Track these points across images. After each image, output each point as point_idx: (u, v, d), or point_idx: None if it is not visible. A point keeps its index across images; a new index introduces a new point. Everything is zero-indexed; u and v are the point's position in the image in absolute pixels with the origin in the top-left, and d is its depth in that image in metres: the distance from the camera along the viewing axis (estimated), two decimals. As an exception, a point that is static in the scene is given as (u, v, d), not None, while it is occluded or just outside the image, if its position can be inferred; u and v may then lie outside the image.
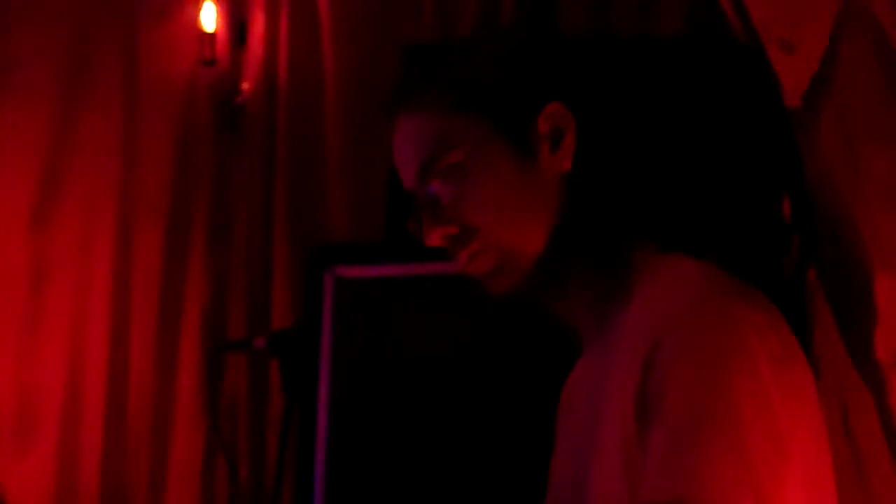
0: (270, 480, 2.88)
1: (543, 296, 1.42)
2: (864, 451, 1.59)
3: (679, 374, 1.22)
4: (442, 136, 1.39)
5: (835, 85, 1.58)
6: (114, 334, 3.27)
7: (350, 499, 2.59)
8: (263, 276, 3.26)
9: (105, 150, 3.34)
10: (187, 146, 3.36)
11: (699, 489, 1.16)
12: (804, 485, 1.25)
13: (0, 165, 3.29)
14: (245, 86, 3.35)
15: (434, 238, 1.41)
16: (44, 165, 3.31)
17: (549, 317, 1.45)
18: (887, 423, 1.56)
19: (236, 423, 3.22)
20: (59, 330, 3.26)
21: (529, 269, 1.38)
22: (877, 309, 1.52)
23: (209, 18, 3.34)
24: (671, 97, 1.46)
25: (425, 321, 2.54)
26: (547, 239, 1.38)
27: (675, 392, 1.21)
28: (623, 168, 1.42)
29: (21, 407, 3.22)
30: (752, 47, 1.68)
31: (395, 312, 2.58)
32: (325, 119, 3.27)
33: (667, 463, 1.19)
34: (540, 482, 1.56)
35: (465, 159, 1.38)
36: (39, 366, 3.24)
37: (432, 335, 2.53)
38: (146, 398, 3.25)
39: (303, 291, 2.77)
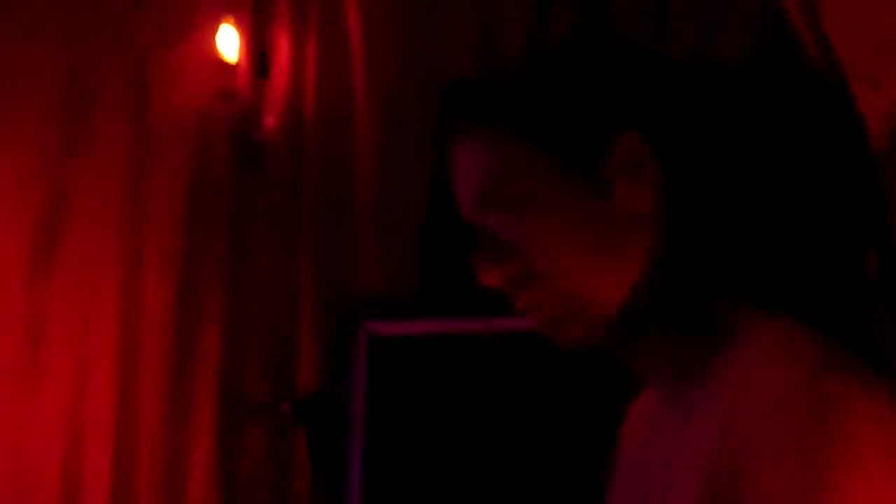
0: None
1: (622, 350, 1.42)
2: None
3: (792, 474, 1.21)
4: (504, 167, 1.39)
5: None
6: (119, 397, 3.29)
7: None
8: (286, 332, 3.28)
9: (110, 192, 3.36)
10: (202, 187, 3.39)
11: None
12: None
13: (-5, 208, 3.33)
14: (268, 121, 3.38)
15: (491, 278, 1.41)
16: (43, 208, 3.34)
17: (609, 371, 1.46)
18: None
19: (255, 500, 3.23)
20: (58, 391, 3.28)
21: (607, 321, 1.38)
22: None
23: (229, 46, 3.38)
24: (755, 131, 1.45)
25: (471, 385, 2.55)
26: (628, 288, 1.38)
27: (790, 492, 1.20)
28: (712, 211, 1.40)
29: (17, 476, 3.23)
30: (834, 80, 1.69)
31: (436, 375, 2.58)
32: (355, 158, 3.29)
33: None
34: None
35: (529, 193, 1.38)
36: (37, 431, 3.26)
37: (479, 401, 2.54)
38: (155, 469, 3.27)
39: (331, 349, 2.79)
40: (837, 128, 1.47)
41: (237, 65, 3.38)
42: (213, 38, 3.38)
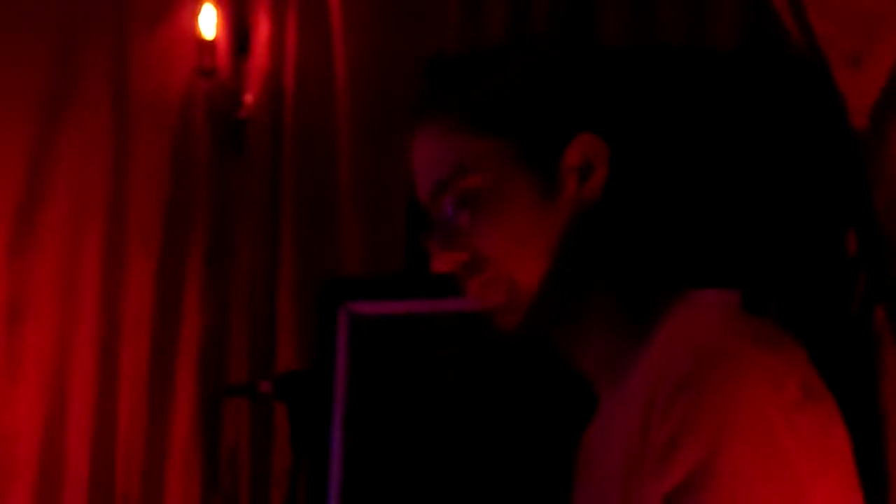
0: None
1: (556, 335, 1.45)
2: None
3: (679, 421, 1.26)
4: (460, 158, 1.43)
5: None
6: (100, 376, 3.30)
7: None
8: (268, 312, 3.28)
9: (91, 171, 3.37)
10: (183, 166, 3.39)
11: None
12: None
13: (-26, 187, 3.33)
14: (248, 98, 3.39)
15: (443, 263, 1.44)
16: (22, 188, 3.34)
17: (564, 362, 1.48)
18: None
19: (238, 478, 3.24)
20: (38, 370, 3.29)
21: (534, 306, 1.40)
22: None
23: (208, 23, 3.38)
24: (725, 119, 1.48)
25: (452, 363, 2.56)
26: (556, 274, 1.41)
27: (673, 442, 1.25)
28: (661, 201, 1.43)
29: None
30: (815, 62, 1.70)
31: (417, 353, 2.59)
32: (336, 135, 3.29)
33: None
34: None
35: (483, 185, 1.42)
36: (16, 411, 3.27)
37: (461, 380, 2.55)
38: (136, 448, 3.28)
39: (312, 329, 2.79)
40: (815, 108, 1.50)
41: (217, 42, 3.39)
42: (194, 16, 3.38)
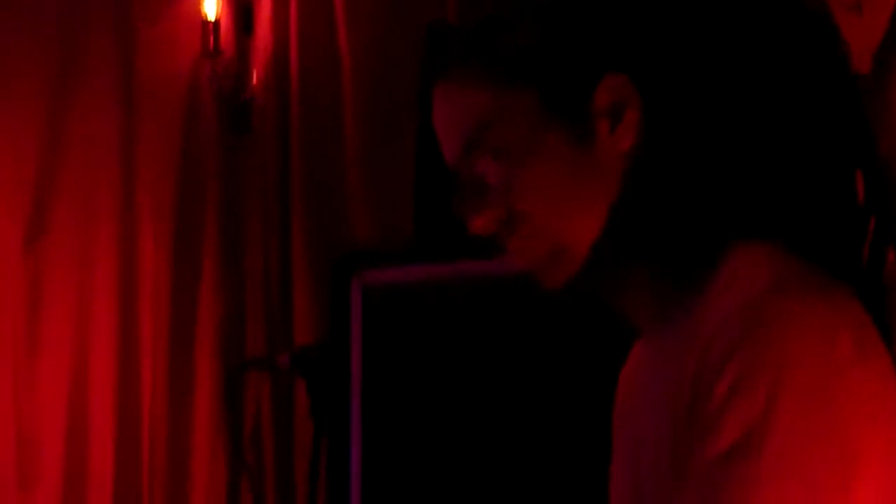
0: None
1: (602, 289, 1.42)
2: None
3: (731, 381, 1.24)
4: (486, 114, 1.38)
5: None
6: (121, 356, 3.30)
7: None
8: (283, 288, 3.28)
9: (101, 155, 3.36)
10: (192, 147, 3.39)
11: None
12: (881, 498, 1.26)
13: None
14: (254, 79, 3.38)
15: (480, 223, 1.41)
16: (34, 175, 3.33)
17: (605, 314, 1.46)
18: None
19: (261, 450, 3.24)
20: (60, 353, 3.29)
21: (584, 258, 1.38)
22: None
23: (211, 5, 3.37)
24: (740, 64, 1.44)
25: (467, 329, 2.55)
26: (604, 225, 1.38)
27: (726, 403, 1.23)
28: (692, 147, 1.40)
29: (22, 440, 3.24)
30: (817, 7, 1.68)
31: (432, 321, 2.58)
32: (343, 112, 3.29)
33: (709, 476, 1.22)
34: (592, 499, 1.58)
35: (513, 139, 1.37)
36: (40, 394, 3.27)
37: (475, 345, 2.54)
38: (160, 425, 3.28)
39: (327, 302, 2.79)
40: (820, 56, 1.47)
41: (220, 23, 3.38)
42: (198, -3, 3.38)
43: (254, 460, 3.23)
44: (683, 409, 1.29)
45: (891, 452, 1.27)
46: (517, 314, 2.49)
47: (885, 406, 1.28)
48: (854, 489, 1.23)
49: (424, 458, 2.59)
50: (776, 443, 1.21)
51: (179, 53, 3.41)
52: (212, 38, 3.36)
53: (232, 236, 3.36)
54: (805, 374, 1.22)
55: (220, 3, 3.38)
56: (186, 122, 3.40)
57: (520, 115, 1.37)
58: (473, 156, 1.39)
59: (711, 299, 1.32)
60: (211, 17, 3.37)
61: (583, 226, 1.37)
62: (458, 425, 2.56)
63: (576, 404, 2.44)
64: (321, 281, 3.16)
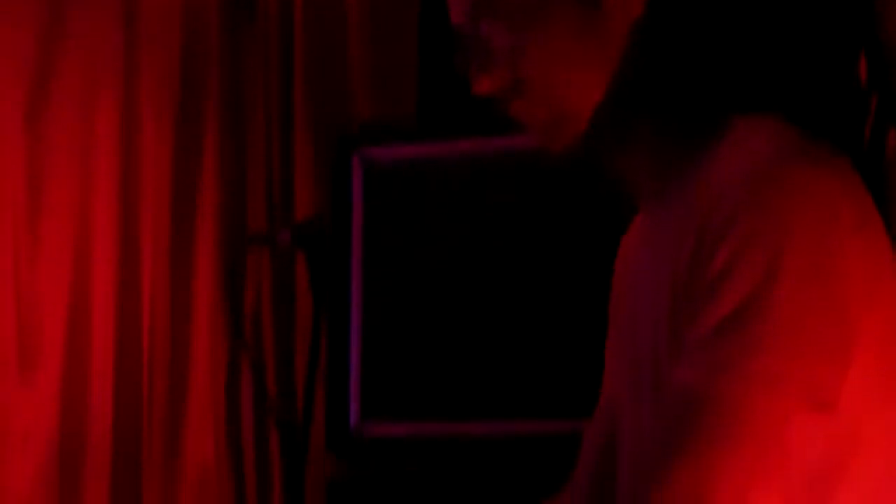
0: (301, 390, 2.92)
1: (604, 154, 1.42)
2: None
3: (732, 249, 1.24)
4: None
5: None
6: (122, 236, 3.30)
7: (388, 408, 2.62)
8: (284, 165, 3.28)
9: (101, 40, 3.33)
10: (195, 27, 3.36)
11: (738, 380, 1.20)
12: (877, 371, 1.27)
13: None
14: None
15: (484, 85, 1.41)
16: (35, 55, 3.31)
17: (607, 187, 1.46)
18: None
19: (261, 328, 3.25)
20: (61, 231, 3.28)
21: (587, 122, 1.39)
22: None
23: None
24: None
25: (467, 205, 2.55)
26: (607, 90, 1.38)
27: (726, 271, 1.23)
28: (697, 15, 1.40)
29: (22, 329, 3.24)
30: None
31: (432, 197, 2.58)
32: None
33: (708, 344, 1.23)
34: (588, 376, 1.59)
35: (523, 1, 1.37)
36: (40, 281, 3.27)
37: (475, 221, 2.54)
38: (160, 303, 3.29)
39: (328, 176, 2.78)
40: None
41: None
42: None
43: (254, 339, 3.24)
44: (682, 284, 1.29)
45: (886, 332, 1.28)
46: (517, 190, 2.49)
47: (882, 283, 1.29)
48: (850, 366, 1.24)
49: (424, 331, 2.60)
50: (776, 312, 1.22)
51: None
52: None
53: (233, 113, 3.34)
54: (806, 242, 1.23)
55: None
56: (189, 5, 3.36)
57: None
58: (481, 17, 1.40)
59: (712, 170, 1.33)
60: None
61: (587, 91, 1.38)
62: (458, 299, 2.57)
63: (576, 277, 2.45)
64: (323, 156, 3.15)
